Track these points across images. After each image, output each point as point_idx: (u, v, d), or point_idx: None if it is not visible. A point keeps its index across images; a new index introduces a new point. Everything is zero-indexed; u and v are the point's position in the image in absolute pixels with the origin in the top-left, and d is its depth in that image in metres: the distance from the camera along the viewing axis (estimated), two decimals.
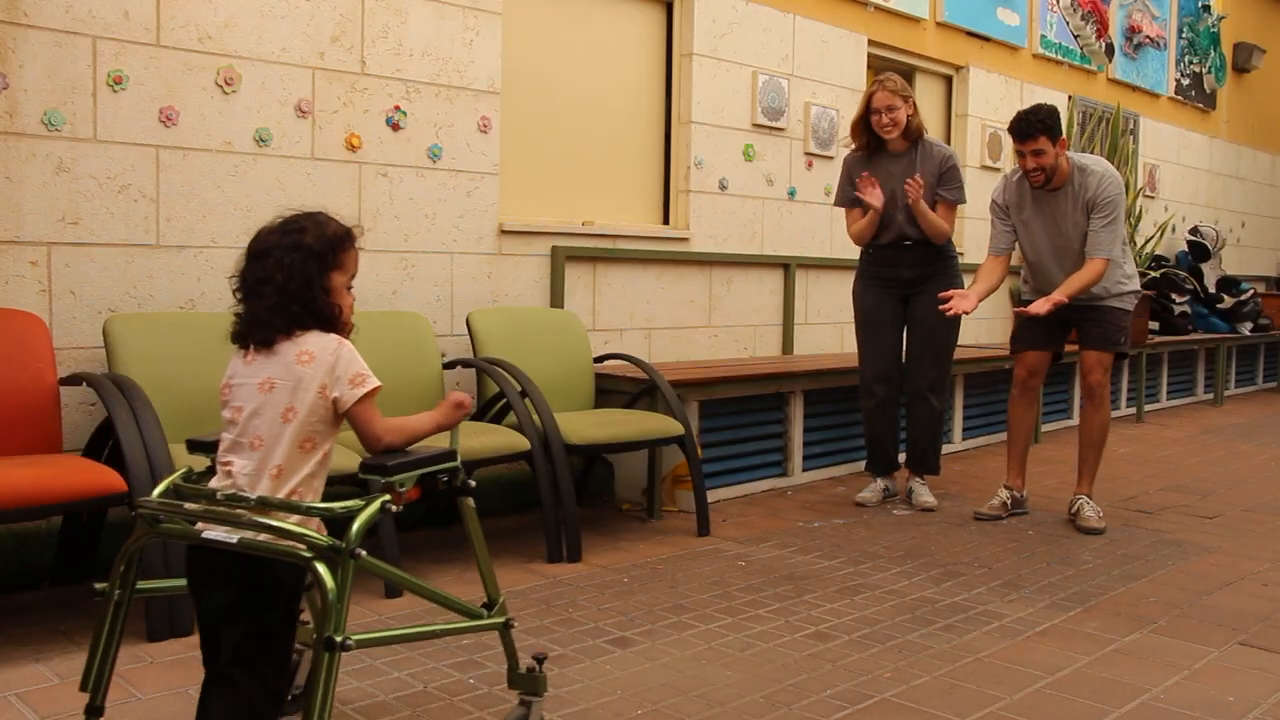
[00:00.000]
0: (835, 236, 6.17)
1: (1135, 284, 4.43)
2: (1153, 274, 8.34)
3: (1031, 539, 4.18)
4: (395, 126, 4.18)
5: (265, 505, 1.83)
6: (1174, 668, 2.80)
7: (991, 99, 7.36)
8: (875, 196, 4.47)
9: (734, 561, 3.76)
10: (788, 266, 5.86)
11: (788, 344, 5.90)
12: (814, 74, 5.97)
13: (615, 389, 4.53)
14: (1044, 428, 6.79)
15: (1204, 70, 9.92)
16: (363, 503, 1.85)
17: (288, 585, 1.87)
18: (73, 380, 3.25)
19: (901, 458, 4.86)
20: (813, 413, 5.17)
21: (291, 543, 1.77)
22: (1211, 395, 8.92)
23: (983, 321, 7.30)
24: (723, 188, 5.51)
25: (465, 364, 4.16)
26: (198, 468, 2.06)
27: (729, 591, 3.38)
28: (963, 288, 4.56)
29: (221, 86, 3.74)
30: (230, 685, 1.82)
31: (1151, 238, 8.17)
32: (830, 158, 6.08)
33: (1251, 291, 9.36)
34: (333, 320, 1.97)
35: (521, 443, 3.67)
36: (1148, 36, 9.06)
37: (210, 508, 1.84)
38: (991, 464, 5.65)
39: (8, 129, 3.31)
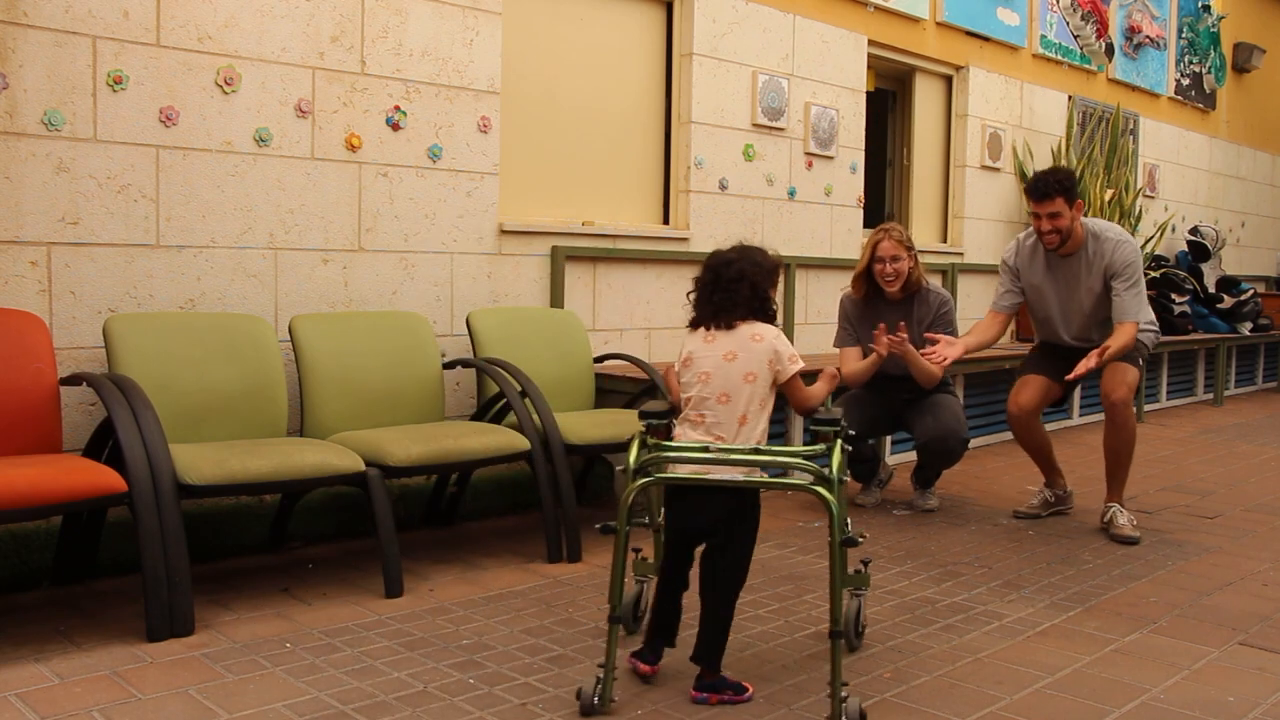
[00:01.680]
0: (835, 236, 6.18)
1: (1155, 326, 4.39)
2: (1153, 274, 8.34)
3: (1031, 539, 4.18)
4: (395, 126, 4.19)
5: (758, 452, 2.49)
6: (1174, 668, 2.80)
7: (991, 99, 7.36)
8: (883, 345, 4.28)
9: None
10: (788, 266, 5.86)
11: None
12: (814, 74, 5.97)
13: (615, 389, 4.53)
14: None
15: (1204, 70, 9.92)
16: (824, 447, 2.51)
17: (750, 512, 2.58)
18: (73, 380, 3.25)
19: (892, 460, 4.83)
20: None
21: (787, 477, 2.54)
22: (1211, 395, 8.92)
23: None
24: (723, 188, 5.51)
25: (465, 364, 4.16)
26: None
27: None
28: (958, 402, 4.55)
29: (221, 86, 3.74)
30: (710, 583, 2.55)
31: (1151, 238, 8.17)
32: (830, 158, 6.08)
33: (1251, 291, 9.36)
34: (772, 317, 2.68)
35: (521, 443, 3.67)
36: (1148, 36, 9.06)
37: (721, 455, 2.47)
38: (991, 464, 5.65)
39: (8, 129, 3.31)
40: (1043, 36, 7.79)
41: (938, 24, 6.88)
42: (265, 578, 3.44)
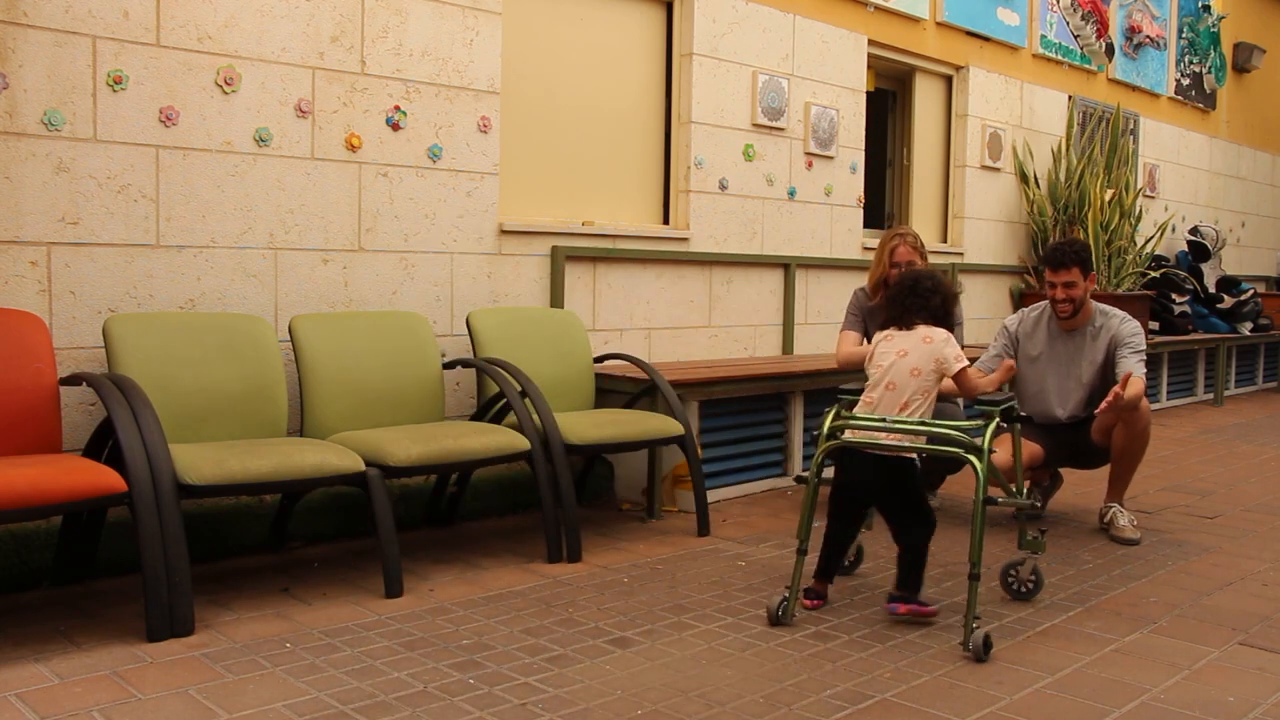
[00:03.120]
0: (835, 236, 6.18)
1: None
2: (1153, 274, 8.34)
3: None
4: (395, 126, 4.19)
5: (923, 423, 3.02)
6: (1174, 668, 2.80)
7: (991, 99, 7.36)
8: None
9: (734, 561, 3.76)
10: (788, 266, 5.87)
11: (788, 344, 5.90)
12: (814, 74, 5.97)
13: (615, 389, 4.53)
14: None
15: (1204, 70, 9.92)
16: (982, 423, 3.00)
17: (909, 476, 3.10)
18: (73, 380, 3.25)
19: None
20: (813, 413, 5.17)
21: (949, 448, 2.99)
22: (1211, 395, 8.92)
23: (983, 322, 7.30)
24: (723, 188, 5.51)
25: (465, 364, 4.16)
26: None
27: (729, 591, 3.38)
28: (959, 409, 4.52)
29: (221, 86, 3.74)
30: (903, 533, 3.13)
31: (1151, 238, 8.17)
32: (830, 158, 6.08)
33: (1251, 291, 9.36)
34: (951, 326, 3.21)
35: (521, 443, 3.67)
36: (1148, 36, 9.06)
37: (891, 424, 3.02)
38: None
39: (8, 129, 3.31)
40: (1043, 36, 7.79)
41: (938, 24, 6.88)
42: (265, 578, 3.44)
